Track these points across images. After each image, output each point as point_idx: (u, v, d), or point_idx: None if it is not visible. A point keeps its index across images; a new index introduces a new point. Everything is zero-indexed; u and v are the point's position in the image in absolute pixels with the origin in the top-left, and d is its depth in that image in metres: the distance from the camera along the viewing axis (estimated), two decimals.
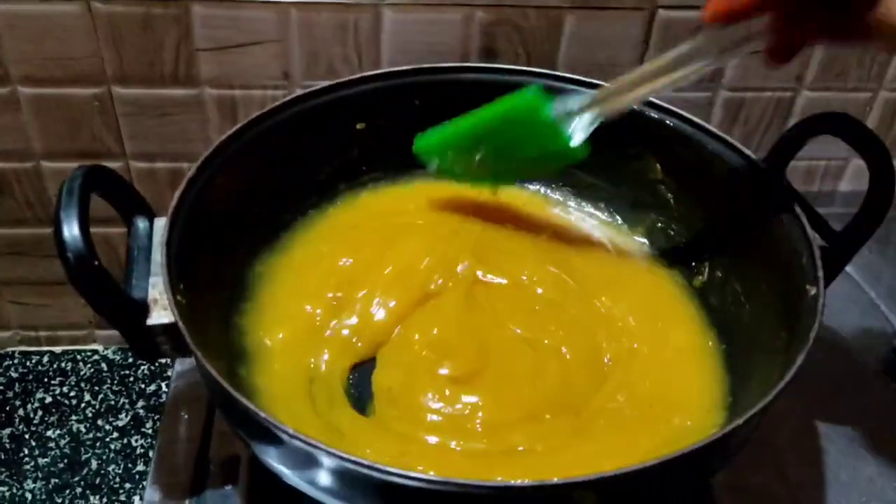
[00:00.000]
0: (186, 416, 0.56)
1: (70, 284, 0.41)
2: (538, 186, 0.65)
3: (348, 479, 0.39)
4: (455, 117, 0.56)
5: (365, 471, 0.36)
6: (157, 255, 0.45)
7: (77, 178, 0.42)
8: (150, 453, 0.76)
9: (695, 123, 0.57)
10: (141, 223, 0.48)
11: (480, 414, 0.49)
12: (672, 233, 0.61)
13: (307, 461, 0.39)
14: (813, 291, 0.45)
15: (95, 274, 0.40)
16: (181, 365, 0.60)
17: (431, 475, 0.36)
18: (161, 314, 0.43)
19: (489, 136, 0.55)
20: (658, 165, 0.60)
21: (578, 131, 0.51)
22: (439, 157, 0.58)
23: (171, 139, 0.70)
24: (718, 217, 0.57)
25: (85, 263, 0.40)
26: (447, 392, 0.50)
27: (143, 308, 0.44)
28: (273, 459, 0.42)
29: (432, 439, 0.47)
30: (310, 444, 0.37)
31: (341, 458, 0.37)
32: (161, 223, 0.47)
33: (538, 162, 0.55)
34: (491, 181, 0.60)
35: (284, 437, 0.37)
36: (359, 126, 0.61)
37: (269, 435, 0.39)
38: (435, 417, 0.49)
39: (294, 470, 0.41)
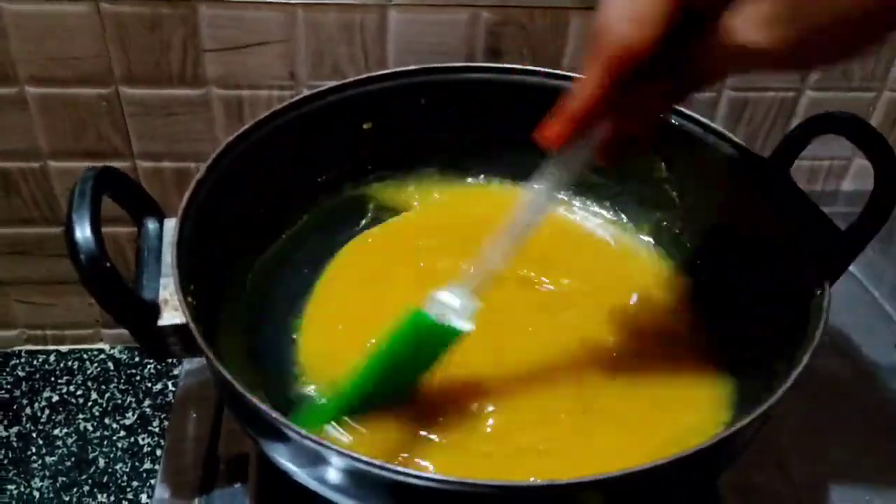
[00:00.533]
0: (195, 415, 0.56)
1: (78, 284, 0.41)
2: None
3: (358, 479, 0.39)
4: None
5: (376, 470, 0.37)
6: (168, 256, 0.46)
7: (89, 179, 0.43)
8: (158, 452, 0.76)
9: (700, 122, 0.57)
10: (151, 224, 0.48)
11: (491, 412, 0.49)
12: (677, 232, 0.61)
13: (317, 460, 0.39)
14: (819, 291, 0.46)
15: (107, 275, 0.41)
16: (189, 363, 0.61)
17: (442, 475, 0.36)
18: (172, 315, 0.44)
19: (388, 364, 0.48)
20: (663, 164, 0.60)
21: (462, 320, 0.46)
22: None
23: (178, 139, 0.71)
24: (723, 216, 0.57)
25: (97, 265, 0.40)
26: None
27: (154, 309, 0.44)
28: (283, 458, 0.42)
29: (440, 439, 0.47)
30: (321, 444, 0.37)
31: (352, 457, 0.37)
32: (171, 224, 0.48)
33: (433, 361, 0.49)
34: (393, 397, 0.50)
35: (296, 437, 0.37)
36: (365, 126, 0.61)
37: (280, 434, 0.39)
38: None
39: (304, 468, 0.42)
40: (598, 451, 0.47)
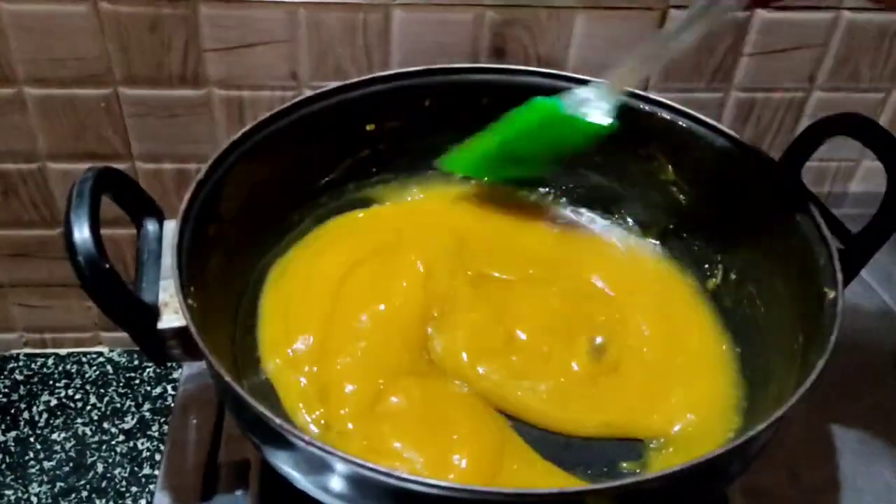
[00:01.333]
0: (195, 420, 0.55)
1: (77, 287, 0.40)
2: (549, 188, 0.65)
3: (363, 486, 0.38)
4: (474, 134, 0.58)
5: (380, 477, 0.36)
6: (168, 258, 0.45)
7: (87, 179, 0.42)
8: (157, 456, 0.75)
9: (707, 124, 0.56)
10: (150, 225, 0.47)
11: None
12: (685, 235, 0.60)
13: (321, 467, 0.39)
14: (832, 295, 0.45)
15: (106, 277, 0.40)
16: (189, 368, 0.60)
17: (449, 482, 0.36)
18: (172, 318, 0.43)
19: (515, 146, 0.56)
20: (670, 167, 0.60)
21: (598, 114, 0.52)
22: (468, 171, 0.62)
23: (179, 140, 0.70)
24: (732, 219, 0.57)
25: (96, 267, 0.39)
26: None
27: (154, 311, 0.43)
28: (285, 464, 0.41)
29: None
30: (324, 451, 0.36)
31: (356, 464, 0.36)
32: (171, 225, 0.47)
33: (566, 150, 0.56)
34: (521, 176, 0.62)
35: (299, 443, 0.37)
36: (368, 127, 0.61)
37: (282, 440, 0.38)
38: None
39: (306, 475, 0.41)
40: None
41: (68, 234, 0.39)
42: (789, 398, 0.40)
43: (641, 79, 0.50)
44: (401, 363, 0.51)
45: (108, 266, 0.40)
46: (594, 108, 0.51)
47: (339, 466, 0.37)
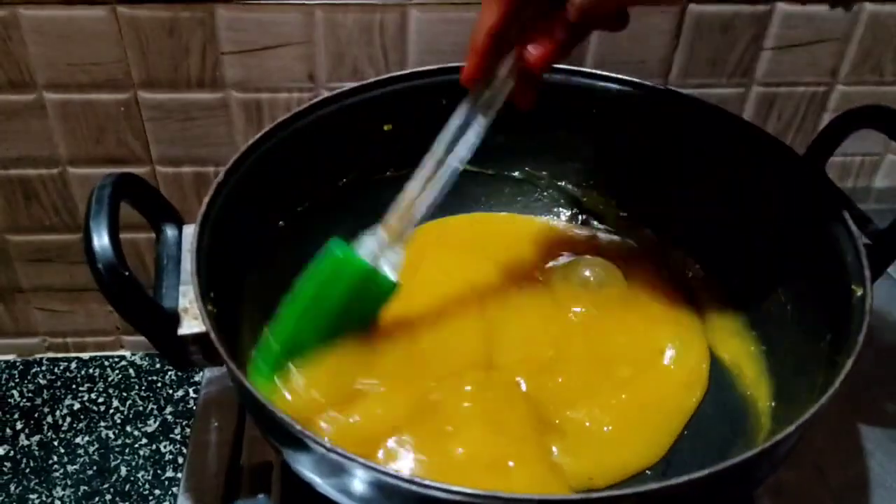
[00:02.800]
0: (217, 424, 0.55)
1: (98, 291, 0.40)
2: (567, 183, 0.64)
3: (384, 492, 0.38)
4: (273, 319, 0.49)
5: (403, 484, 0.36)
6: (187, 264, 0.45)
7: (106, 186, 0.42)
8: (179, 459, 0.75)
9: (731, 118, 0.55)
10: (170, 231, 0.47)
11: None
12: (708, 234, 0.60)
13: (341, 472, 0.38)
14: (860, 292, 0.44)
15: (126, 283, 0.40)
16: (211, 371, 0.60)
17: (471, 489, 0.35)
18: (192, 323, 0.43)
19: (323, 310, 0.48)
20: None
21: (391, 267, 0.47)
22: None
23: (197, 143, 0.70)
24: (756, 216, 0.56)
25: (116, 273, 0.39)
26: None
27: (174, 317, 0.43)
28: (306, 469, 0.41)
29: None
30: (345, 457, 0.36)
31: (377, 470, 0.36)
32: (190, 230, 0.47)
33: (365, 313, 0.50)
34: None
35: (320, 448, 0.36)
36: (386, 128, 0.60)
37: (302, 445, 0.38)
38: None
39: (327, 480, 0.41)
40: None
41: (87, 241, 0.39)
42: (818, 399, 0.39)
43: (423, 216, 0.47)
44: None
45: (127, 273, 0.40)
46: (387, 260, 0.47)
47: (360, 472, 0.37)
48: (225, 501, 0.51)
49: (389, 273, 0.47)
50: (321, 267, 0.47)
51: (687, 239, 0.61)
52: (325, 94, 0.57)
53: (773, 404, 0.49)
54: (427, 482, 0.35)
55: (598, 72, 0.60)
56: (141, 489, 0.73)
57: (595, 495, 0.35)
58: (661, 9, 0.65)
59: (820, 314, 0.48)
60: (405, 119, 0.60)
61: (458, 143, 0.47)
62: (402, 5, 0.63)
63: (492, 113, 0.47)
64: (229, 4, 0.62)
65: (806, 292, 0.50)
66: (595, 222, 0.64)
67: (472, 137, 0.47)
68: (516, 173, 0.65)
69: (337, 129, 0.58)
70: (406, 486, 0.35)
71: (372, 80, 0.58)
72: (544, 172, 0.65)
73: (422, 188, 0.48)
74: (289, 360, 0.47)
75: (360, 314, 0.49)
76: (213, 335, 0.40)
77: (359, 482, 0.38)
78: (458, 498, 0.36)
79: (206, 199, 0.47)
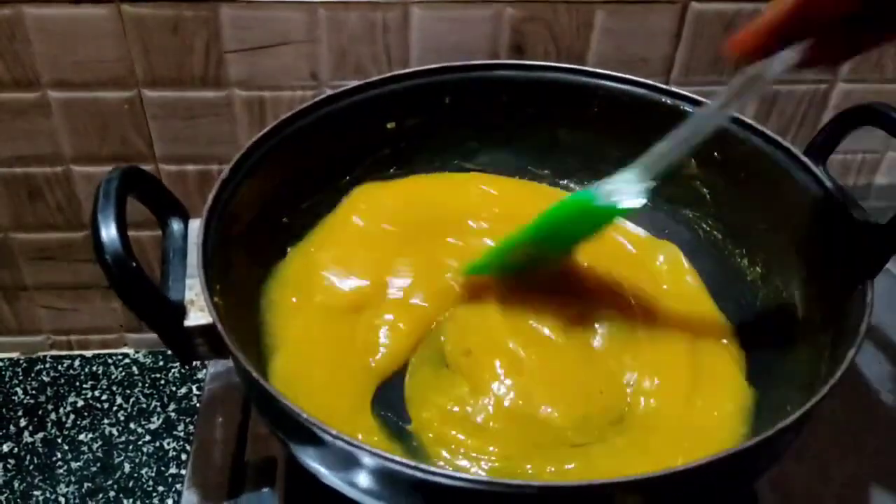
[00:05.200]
0: (221, 419, 0.56)
1: (102, 288, 0.41)
2: (568, 182, 0.65)
3: (391, 481, 0.38)
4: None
5: (410, 472, 0.36)
6: (193, 257, 0.45)
7: (113, 179, 0.42)
8: (183, 456, 0.76)
9: (732, 117, 0.56)
10: (176, 224, 0.48)
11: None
12: (708, 228, 0.60)
13: (348, 461, 0.39)
14: (861, 287, 0.44)
15: (134, 276, 0.40)
16: (214, 367, 0.60)
17: (478, 476, 0.36)
18: (198, 315, 0.43)
19: (547, 243, 0.53)
20: (693, 160, 0.59)
21: (631, 198, 0.48)
22: (494, 272, 0.56)
23: (201, 141, 0.70)
24: (757, 212, 0.56)
25: (124, 266, 0.40)
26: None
27: (180, 310, 0.43)
28: (313, 460, 0.41)
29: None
30: (353, 445, 0.36)
31: (385, 458, 0.36)
32: (195, 224, 0.47)
33: (593, 235, 0.53)
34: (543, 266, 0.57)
35: (328, 438, 0.37)
36: (389, 125, 0.61)
37: (309, 435, 0.38)
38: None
39: (334, 470, 0.41)
40: (632, 448, 0.46)
41: (96, 233, 0.40)
42: (819, 390, 0.39)
43: (675, 161, 0.47)
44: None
45: (135, 265, 0.40)
46: (626, 194, 0.48)
47: (367, 460, 0.37)
48: (230, 496, 0.51)
49: (626, 203, 0.48)
50: (555, 211, 0.51)
51: (686, 236, 0.61)
52: (329, 92, 0.58)
53: (771, 398, 0.49)
54: (434, 469, 0.35)
55: (600, 70, 0.60)
56: (144, 486, 0.74)
57: (598, 482, 0.35)
58: (671, 8, 0.66)
59: (821, 309, 0.48)
60: (408, 117, 0.61)
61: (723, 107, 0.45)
62: (405, 3, 0.64)
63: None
64: (233, 3, 0.63)
65: (807, 287, 0.50)
66: None
67: (731, 111, 0.45)
68: (518, 171, 0.65)
69: (340, 127, 0.58)
70: (411, 472, 0.36)
71: (375, 78, 0.58)
72: (546, 171, 0.65)
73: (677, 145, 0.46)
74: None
75: (580, 238, 0.53)
76: (219, 326, 0.40)
77: (364, 471, 0.38)
78: (463, 485, 0.36)
79: (211, 193, 0.47)
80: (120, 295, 0.40)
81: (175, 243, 0.47)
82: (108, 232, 0.40)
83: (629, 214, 0.52)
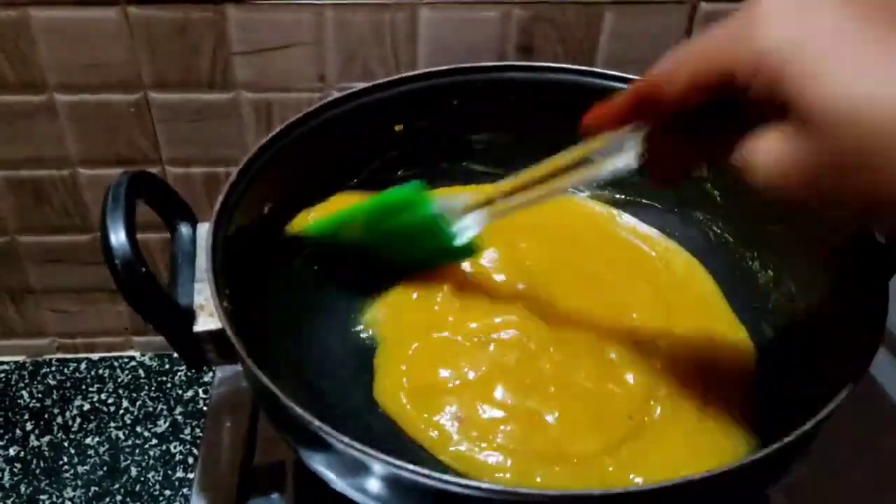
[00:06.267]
0: (229, 424, 0.55)
1: (109, 292, 0.41)
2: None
3: (401, 488, 0.38)
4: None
5: (421, 479, 0.36)
6: (202, 261, 0.45)
7: (122, 184, 0.42)
8: (190, 460, 0.75)
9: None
10: (184, 228, 0.48)
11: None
12: (718, 230, 0.60)
13: (359, 468, 0.38)
14: (877, 290, 0.44)
15: (143, 280, 0.40)
16: (222, 371, 0.60)
17: (490, 484, 0.35)
18: (208, 320, 0.43)
19: (370, 226, 0.52)
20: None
21: (465, 231, 0.49)
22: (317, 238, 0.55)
23: (208, 144, 0.70)
24: (768, 213, 0.55)
25: (133, 270, 0.39)
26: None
27: (190, 314, 0.43)
28: (323, 467, 0.41)
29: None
30: (364, 453, 0.36)
31: (396, 465, 0.36)
32: (204, 228, 0.47)
33: (421, 256, 0.53)
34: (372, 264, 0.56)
35: (339, 445, 0.36)
36: (397, 128, 0.60)
37: (321, 443, 0.38)
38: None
39: (344, 477, 0.41)
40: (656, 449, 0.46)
41: (105, 238, 0.40)
42: (835, 397, 0.39)
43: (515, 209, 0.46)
44: None
45: (144, 269, 0.40)
46: (463, 223, 0.48)
47: (377, 467, 0.37)
48: (238, 501, 0.51)
49: (461, 232, 0.48)
50: (392, 193, 0.50)
51: (697, 239, 0.61)
52: (336, 94, 0.57)
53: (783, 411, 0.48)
54: (445, 477, 0.35)
55: (609, 72, 0.59)
56: (151, 490, 0.73)
57: (608, 492, 0.35)
58: (679, 8, 0.65)
59: (835, 312, 0.48)
60: (416, 119, 0.60)
61: (568, 173, 0.45)
62: (413, 5, 0.64)
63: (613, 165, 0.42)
64: (240, 5, 0.62)
65: (820, 289, 0.50)
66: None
67: (588, 175, 0.44)
68: None
69: (348, 130, 0.57)
70: (422, 480, 0.35)
71: (383, 80, 0.58)
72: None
73: (526, 186, 0.47)
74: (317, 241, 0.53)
75: (411, 253, 0.52)
76: (229, 331, 0.40)
77: (375, 478, 0.38)
78: (476, 493, 0.36)
79: (220, 197, 0.47)
80: (129, 300, 0.40)
81: (183, 247, 0.47)
82: (118, 237, 0.40)
83: (459, 257, 0.51)
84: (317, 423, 0.36)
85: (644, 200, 0.63)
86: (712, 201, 0.59)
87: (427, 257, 0.53)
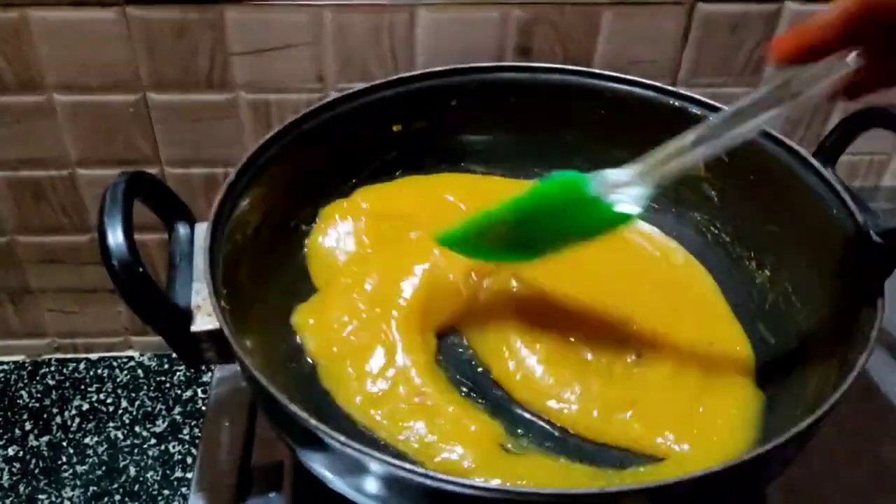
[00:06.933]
0: (228, 423, 0.55)
1: (107, 292, 0.41)
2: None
3: (398, 487, 0.38)
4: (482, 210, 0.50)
5: (417, 478, 0.36)
6: (200, 261, 0.45)
7: (119, 184, 0.42)
8: (188, 459, 0.76)
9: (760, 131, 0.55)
10: (182, 229, 0.48)
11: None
12: (716, 230, 0.60)
13: (356, 468, 0.38)
14: (872, 290, 0.44)
15: (140, 280, 0.40)
16: (220, 371, 0.60)
17: (487, 482, 0.35)
18: (205, 320, 0.43)
19: (524, 223, 0.48)
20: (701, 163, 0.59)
21: (627, 202, 0.45)
22: (468, 249, 0.52)
23: (206, 144, 0.70)
24: (766, 215, 0.56)
25: (131, 270, 0.39)
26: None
27: (187, 314, 0.43)
28: (320, 466, 0.41)
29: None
30: (361, 452, 0.36)
31: (392, 464, 0.36)
32: (202, 228, 0.47)
33: (572, 235, 0.49)
34: (526, 258, 0.52)
35: (335, 444, 0.36)
36: (395, 128, 0.61)
37: (318, 442, 0.38)
38: None
39: (341, 476, 0.41)
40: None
41: (102, 238, 0.40)
42: (830, 396, 0.39)
43: (682, 170, 0.43)
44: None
45: (142, 270, 0.40)
46: (622, 194, 0.44)
47: (375, 467, 0.37)
48: (237, 500, 0.51)
49: (619, 204, 0.44)
50: (546, 188, 0.46)
51: (695, 239, 0.61)
52: (334, 94, 0.58)
53: (781, 404, 0.49)
54: (442, 476, 0.35)
55: (607, 72, 0.60)
56: (150, 489, 0.74)
57: (606, 490, 0.35)
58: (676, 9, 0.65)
59: (831, 313, 0.48)
60: (415, 120, 0.61)
61: (748, 119, 0.41)
62: (411, 6, 0.64)
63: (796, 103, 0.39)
64: (238, 6, 0.63)
65: (817, 291, 0.50)
66: None
67: (761, 121, 0.40)
68: (524, 174, 0.65)
69: (346, 130, 0.58)
70: (419, 479, 0.35)
71: (382, 80, 0.58)
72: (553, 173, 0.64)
73: (693, 144, 0.42)
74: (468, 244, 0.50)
75: (565, 235, 0.47)
76: (226, 331, 0.40)
77: (372, 477, 0.38)
78: (471, 492, 0.36)
79: (218, 197, 0.47)
80: (126, 300, 0.40)
81: (181, 248, 0.47)
82: (115, 237, 0.40)
83: (621, 224, 0.46)
84: (313, 421, 0.36)
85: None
86: (710, 201, 0.59)
87: (579, 235, 0.48)
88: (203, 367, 0.78)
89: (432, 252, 0.54)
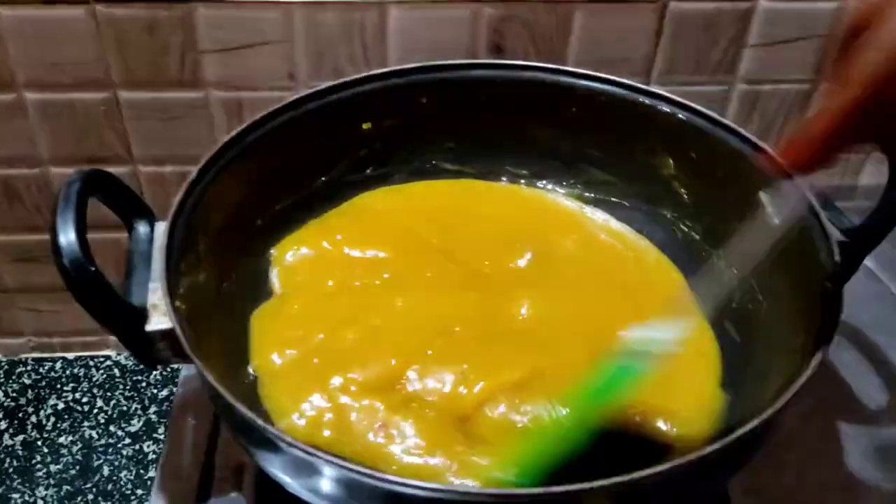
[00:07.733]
0: (193, 423, 0.55)
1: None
2: (547, 182, 0.64)
3: (351, 488, 0.38)
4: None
5: (368, 480, 0.35)
6: (156, 261, 0.45)
7: (75, 182, 0.42)
8: None
9: (707, 117, 0.55)
10: (142, 227, 0.47)
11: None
12: (686, 228, 0.59)
13: (308, 470, 0.38)
14: (833, 287, 0.44)
15: (92, 280, 0.40)
16: (187, 370, 0.60)
17: (438, 484, 0.35)
18: (160, 320, 0.42)
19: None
20: (671, 160, 0.59)
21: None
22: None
23: (179, 142, 0.70)
24: (733, 212, 0.55)
25: (82, 269, 0.39)
26: None
27: (142, 313, 0.43)
28: (274, 468, 0.41)
29: None
30: (311, 454, 0.36)
31: (343, 467, 0.36)
32: (162, 227, 0.47)
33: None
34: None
35: (285, 446, 0.36)
36: (365, 126, 0.60)
37: (268, 443, 0.38)
38: None
39: (295, 478, 0.40)
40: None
41: (54, 237, 0.39)
42: (789, 389, 0.39)
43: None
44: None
45: (93, 269, 0.39)
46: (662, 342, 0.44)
47: (326, 469, 0.37)
48: (199, 501, 0.51)
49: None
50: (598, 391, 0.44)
51: (664, 236, 0.60)
52: (305, 92, 0.57)
53: (743, 399, 0.49)
54: (395, 479, 0.35)
55: (580, 70, 0.59)
56: (123, 489, 0.73)
57: (559, 489, 0.34)
58: (649, 7, 0.65)
59: (795, 310, 0.48)
60: (384, 117, 0.60)
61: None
62: (382, 4, 0.63)
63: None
64: (208, 3, 0.62)
65: (781, 287, 0.50)
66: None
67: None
68: (496, 172, 0.65)
69: (315, 127, 0.57)
70: (370, 481, 0.35)
71: (351, 77, 0.58)
72: (524, 171, 0.64)
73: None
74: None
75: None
76: (178, 330, 0.40)
77: (325, 479, 0.38)
78: (426, 494, 0.35)
79: (177, 197, 0.47)
80: (78, 299, 0.40)
81: (140, 246, 0.47)
82: (67, 236, 0.39)
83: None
84: (260, 422, 0.36)
85: (613, 198, 0.63)
86: (680, 199, 0.59)
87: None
88: (179, 367, 0.78)
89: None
